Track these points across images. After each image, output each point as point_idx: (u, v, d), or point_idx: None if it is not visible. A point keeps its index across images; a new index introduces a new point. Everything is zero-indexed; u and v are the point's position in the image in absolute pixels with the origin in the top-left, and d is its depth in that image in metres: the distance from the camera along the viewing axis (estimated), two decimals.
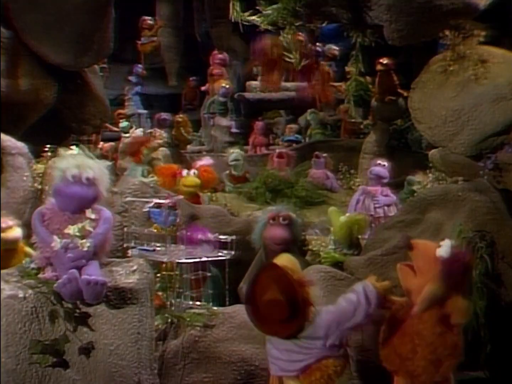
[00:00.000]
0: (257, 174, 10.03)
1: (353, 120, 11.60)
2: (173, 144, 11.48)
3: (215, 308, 4.66)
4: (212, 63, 13.07)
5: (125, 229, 4.95)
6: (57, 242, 3.33)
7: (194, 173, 6.85)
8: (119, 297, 3.43)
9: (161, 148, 10.21)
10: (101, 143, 10.89)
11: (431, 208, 4.49)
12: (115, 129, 12.21)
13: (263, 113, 13.01)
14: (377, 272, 4.02)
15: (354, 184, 9.56)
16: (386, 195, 7.48)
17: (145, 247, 4.78)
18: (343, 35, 13.53)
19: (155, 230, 4.85)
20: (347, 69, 9.90)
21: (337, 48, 13.22)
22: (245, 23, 5.11)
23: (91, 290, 3.24)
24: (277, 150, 10.63)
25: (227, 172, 9.61)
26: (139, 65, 14.05)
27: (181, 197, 5.05)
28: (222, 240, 4.79)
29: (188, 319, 3.89)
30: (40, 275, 3.42)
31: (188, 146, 12.22)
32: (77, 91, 7.37)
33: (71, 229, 3.37)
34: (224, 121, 12.46)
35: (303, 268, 4.94)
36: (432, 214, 4.45)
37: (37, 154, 6.18)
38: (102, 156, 9.29)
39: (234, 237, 4.80)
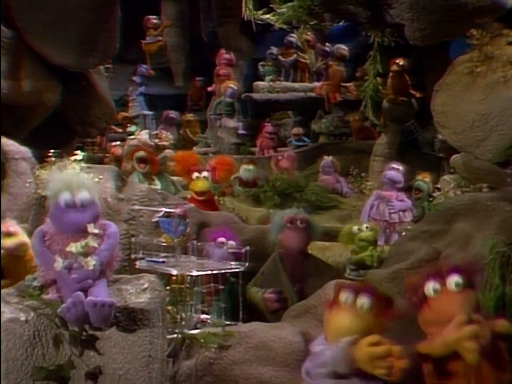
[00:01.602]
0: (265, 177, 9.85)
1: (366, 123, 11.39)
2: (179, 146, 11.25)
3: (227, 322, 4.43)
4: (219, 63, 12.92)
5: (133, 239, 4.68)
6: (59, 263, 3.07)
7: (205, 176, 6.59)
8: (129, 318, 3.17)
9: (167, 150, 10.04)
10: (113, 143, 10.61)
11: (458, 218, 4.23)
12: (120, 130, 12.03)
13: (271, 114, 12.82)
14: (403, 288, 3.75)
15: (366, 188, 9.39)
16: (402, 200, 7.29)
17: (154, 259, 4.53)
18: (352, 35, 13.40)
19: (164, 241, 4.59)
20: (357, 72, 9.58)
21: (346, 48, 12.97)
22: (258, 21, 4.84)
23: (98, 313, 2.97)
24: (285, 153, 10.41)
25: (237, 175, 9.39)
26: (143, 65, 13.90)
27: (192, 205, 4.79)
28: (236, 251, 4.53)
29: (202, 340, 3.62)
30: (44, 296, 3.15)
31: (194, 148, 12.10)
32: (82, 93, 7.19)
33: (74, 247, 3.10)
34: (231, 122, 12.32)
35: (327, 274, 4.79)
36: (460, 225, 4.18)
37: (40, 158, 5.96)
38: (114, 160, 9.10)
39: (248, 247, 4.53)
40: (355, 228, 5.65)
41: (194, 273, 4.36)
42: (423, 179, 8.40)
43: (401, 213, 7.21)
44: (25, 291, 3.16)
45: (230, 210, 8.32)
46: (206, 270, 4.44)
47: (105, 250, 3.21)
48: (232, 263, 4.51)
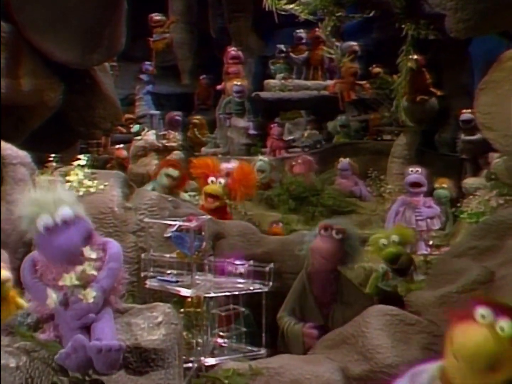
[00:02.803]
0: (278, 180, 9.50)
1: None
2: (187, 147, 10.88)
3: (249, 347, 4.01)
4: (227, 61, 12.49)
5: (142, 255, 4.19)
6: (52, 299, 2.55)
7: (221, 183, 6.10)
8: (141, 359, 2.67)
9: (175, 152, 9.71)
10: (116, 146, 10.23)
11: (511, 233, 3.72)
12: (125, 130, 11.68)
13: (282, 114, 12.40)
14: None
15: (385, 191, 8.95)
16: (429, 207, 6.83)
17: (166, 278, 4.04)
18: (364, 32, 12.94)
19: (177, 257, 4.11)
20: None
21: (357, 45, 12.57)
22: (281, 12, 4.35)
23: (103, 359, 2.45)
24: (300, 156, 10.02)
25: None
26: (148, 63, 13.65)
27: (209, 217, 4.29)
28: (258, 269, 4.03)
29: (226, 381, 3.12)
30: (38, 334, 2.65)
31: (203, 149, 11.84)
32: (86, 92, 6.95)
33: (67, 280, 2.58)
34: (241, 122, 11.94)
35: (358, 301, 4.27)
36: None
37: (41, 163, 5.53)
38: (119, 165, 8.69)
39: (271, 265, 4.03)
40: (382, 241, 5.13)
41: (212, 294, 3.87)
42: (441, 186, 7.99)
43: (428, 220, 6.73)
44: (16, 330, 2.65)
45: (242, 214, 7.98)
46: (225, 291, 3.95)
47: (107, 277, 2.69)
48: (256, 283, 4.00)
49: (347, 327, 3.50)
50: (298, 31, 12.98)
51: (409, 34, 4.79)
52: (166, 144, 9.92)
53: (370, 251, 5.18)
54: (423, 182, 6.90)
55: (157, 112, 13.18)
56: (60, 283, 2.56)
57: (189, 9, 14.03)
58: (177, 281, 4.02)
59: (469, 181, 8.94)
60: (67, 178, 5.05)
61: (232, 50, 12.50)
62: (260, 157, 9.48)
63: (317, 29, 12.83)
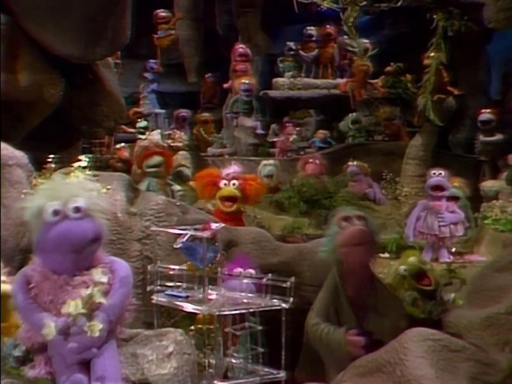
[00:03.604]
0: (287, 181, 9.33)
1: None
2: (193, 147, 10.61)
3: (266, 369, 3.60)
4: (234, 58, 12.23)
5: (149, 267, 3.79)
6: (50, 329, 2.14)
7: (234, 184, 5.77)
8: None
9: (180, 152, 9.45)
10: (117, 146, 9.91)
11: None
12: (130, 130, 11.39)
13: (291, 113, 12.16)
14: (502, 338, 2.85)
15: (401, 194, 8.62)
16: (453, 212, 6.47)
17: (175, 292, 3.64)
18: (376, 28, 12.59)
19: (188, 269, 3.71)
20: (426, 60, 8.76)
21: (368, 42, 12.27)
22: (303, 0, 3.96)
23: None
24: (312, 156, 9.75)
25: None
26: (152, 61, 13.48)
27: (222, 225, 3.89)
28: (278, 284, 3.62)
29: None
30: (27, 370, 2.23)
31: (209, 149, 11.68)
32: (88, 88, 6.54)
33: (72, 307, 2.17)
34: (249, 122, 11.70)
35: (392, 309, 3.90)
36: None
37: (39, 164, 5.16)
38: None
39: (293, 279, 3.63)
40: (402, 268, 4.79)
41: (227, 312, 3.47)
42: (452, 185, 7.64)
43: (452, 226, 6.35)
44: (1, 365, 2.24)
45: (251, 218, 7.68)
46: (241, 308, 3.55)
47: (115, 306, 2.29)
48: (275, 299, 3.59)
49: (383, 352, 3.08)
50: (308, 28, 12.73)
51: (440, 25, 4.37)
52: (172, 144, 9.69)
53: (394, 285, 4.80)
54: (446, 185, 6.55)
55: (162, 111, 13.02)
56: (64, 310, 2.15)
57: (195, 5, 13.82)
58: (187, 297, 3.62)
59: (488, 184, 8.65)
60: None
61: (240, 47, 12.31)
62: (265, 161, 9.25)
63: (327, 26, 12.68)
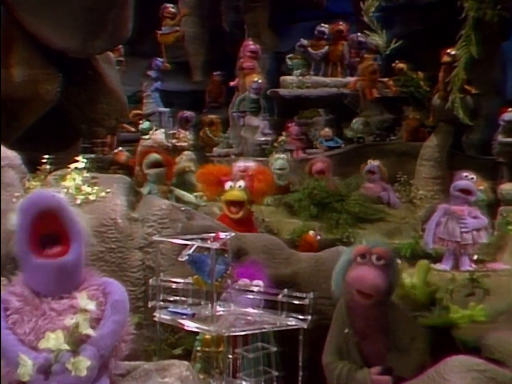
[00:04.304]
0: (296, 183, 8.95)
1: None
2: (198, 147, 10.30)
3: None
4: (243, 55, 12.04)
5: (150, 281, 3.42)
6: (26, 368, 1.76)
7: (240, 186, 5.40)
8: None
9: (185, 152, 9.25)
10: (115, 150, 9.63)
11: None
12: (133, 129, 11.08)
13: (300, 112, 11.94)
14: None
15: (416, 197, 8.31)
16: (475, 217, 6.12)
17: (179, 310, 3.26)
18: (386, 25, 12.22)
19: (194, 283, 3.33)
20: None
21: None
22: None
23: None
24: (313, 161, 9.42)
25: None
26: (158, 59, 13.18)
27: (233, 234, 3.50)
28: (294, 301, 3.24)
29: None
30: None
31: (215, 149, 11.44)
32: (87, 85, 6.39)
33: (52, 341, 1.78)
34: (256, 121, 11.29)
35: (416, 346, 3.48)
36: None
37: (33, 166, 4.82)
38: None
39: (311, 295, 3.24)
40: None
41: (238, 333, 3.10)
42: (478, 188, 7.33)
43: (475, 232, 5.98)
44: None
45: (260, 221, 7.41)
46: (254, 328, 3.17)
47: (107, 337, 1.91)
48: (291, 317, 3.21)
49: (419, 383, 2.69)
50: (322, 24, 12.44)
51: (470, 15, 3.98)
52: (176, 144, 9.43)
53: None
54: (474, 190, 6.21)
55: (166, 109, 12.75)
56: (41, 345, 1.76)
57: (201, 1, 13.71)
58: (193, 314, 3.24)
59: (507, 187, 8.33)
60: (63, 183, 4.32)
61: (251, 44, 11.99)
62: (277, 155, 8.93)
63: (340, 22, 12.38)
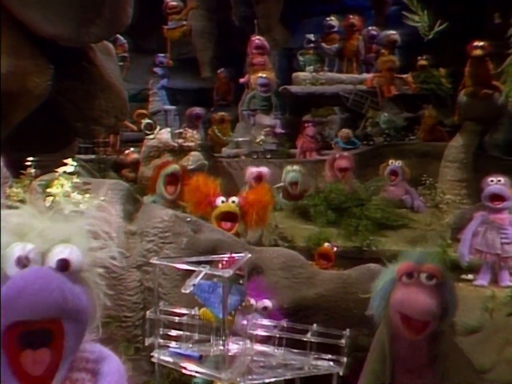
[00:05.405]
0: (312, 186, 8.52)
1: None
2: (206, 147, 9.79)
3: None
4: (251, 52, 11.41)
5: (148, 313, 2.79)
6: None
7: (234, 202, 4.86)
8: None
9: (193, 153, 8.71)
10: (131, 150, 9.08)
11: None
12: (136, 128, 10.59)
13: (313, 110, 11.25)
14: None
15: (442, 202, 7.73)
16: None
17: (183, 351, 2.64)
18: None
19: (202, 317, 2.71)
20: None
21: (396, 33, 11.48)
22: None
23: None
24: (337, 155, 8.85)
25: (281, 184, 8.10)
26: (161, 55, 12.63)
27: (249, 255, 2.86)
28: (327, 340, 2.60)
29: None
30: None
31: (223, 149, 10.82)
32: (83, 78, 5.67)
33: None
34: (267, 119, 10.70)
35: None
36: None
37: (18, 169, 4.27)
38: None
39: (348, 332, 2.61)
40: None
41: (256, 382, 2.47)
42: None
43: None
44: None
45: (272, 227, 7.09)
46: (275, 376, 2.54)
47: None
48: (322, 359, 2.59)
49: None
50: (328, 18, 11.96)
51: None
52: (183, 144, 8.86)
53: None
54: (507, 194, 5.50)
55: (172, 107, 12.18)
56: None
57: None
58: (200, 357, 2.61)
59: None
60: (49, 190, 3.72)
61: (257, 39, 11.41)
62: (288, 167, 8.44)
63: (351, 16, 11.81)
